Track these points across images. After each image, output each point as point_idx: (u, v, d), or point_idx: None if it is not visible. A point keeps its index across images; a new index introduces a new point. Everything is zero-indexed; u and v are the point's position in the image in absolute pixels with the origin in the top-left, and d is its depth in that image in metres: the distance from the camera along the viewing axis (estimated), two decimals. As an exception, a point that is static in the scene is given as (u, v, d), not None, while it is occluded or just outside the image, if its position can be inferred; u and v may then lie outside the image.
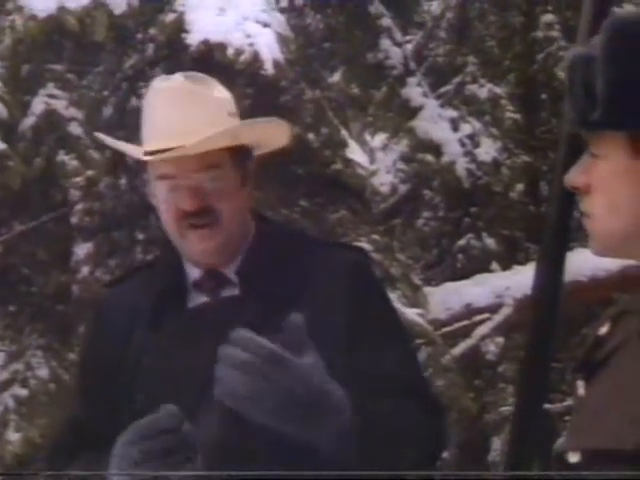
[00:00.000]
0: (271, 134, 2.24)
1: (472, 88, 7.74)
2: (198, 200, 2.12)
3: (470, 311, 6.18)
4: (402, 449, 2.03)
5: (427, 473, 1.96)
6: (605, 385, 1.47)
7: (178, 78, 2.21)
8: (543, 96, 8.49)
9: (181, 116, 2.14)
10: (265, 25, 4.61)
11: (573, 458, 1.44)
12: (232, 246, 2.18)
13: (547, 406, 5.63)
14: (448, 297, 6.21)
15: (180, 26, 4.62)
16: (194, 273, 2.21)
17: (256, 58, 4.47)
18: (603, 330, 1.56)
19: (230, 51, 4.46)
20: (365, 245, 5.24)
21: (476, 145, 7.20)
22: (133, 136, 2.36)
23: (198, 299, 2.20)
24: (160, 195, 2.17)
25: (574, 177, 1.58)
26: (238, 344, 1.85)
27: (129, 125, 4.53)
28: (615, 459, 1.38)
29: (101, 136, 2.38)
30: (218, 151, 2.13)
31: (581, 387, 1.54)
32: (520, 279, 5.91)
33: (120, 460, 1.97)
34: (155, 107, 2.18)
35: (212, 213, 2.13)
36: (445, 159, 6.58)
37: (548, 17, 8.26)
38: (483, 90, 7.79)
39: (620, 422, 1.39)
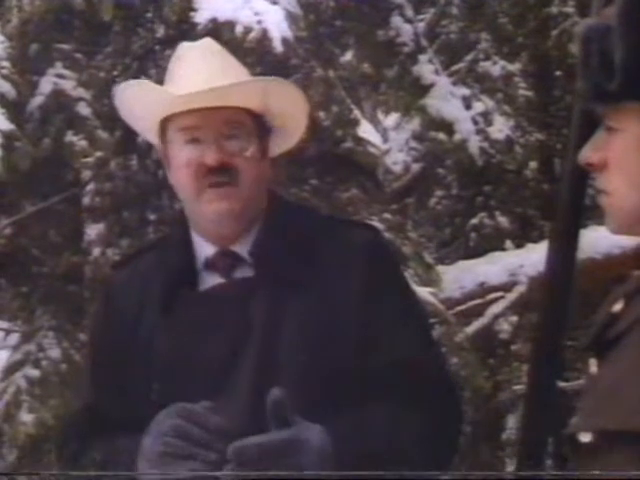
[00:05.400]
0: (292, 111, 2.19)
1: (485, 65, 7.67)
2: (221, 155, 2.08)
3: (484, 289, 6.15)
4: (429, 439, 2.03)
5: (431, 473, 1.95)
6: (618, 364, 1.44)
7: (207, 39, 2.25)
8: (557, 73, 8.41)
9: (214, 66, 2.14)
10: (274, 2, 4.56)
11: (585, 438, 1.42)
12: (246, 216, 2.13)
13: (563, 384, 5.59)
14: (461, 276, 6.18)
15: (188, 4, 4.59)
16: (206, 251, 2.15)
17: (265, 36, 4.43)
18: (617, 307, 1.53)
19: (238, 29, 4.42)
20: (377, 224, 5.21)
21: (489, 123, 7.13)
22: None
23: (210, 280, 2.14)
24: (180, 150, 2.12)
25: (589, 154, 1.54)
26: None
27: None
28: (627, 440, 1.35)
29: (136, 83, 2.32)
30: (242, 112, 2.12)
31: (593, 365, 1.51)
32: (534, 257, 5.87)
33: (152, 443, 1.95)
34: (186, 59, 2.18)
35: (232, 172, 2.09)
36: (458, 137, 6.52)
37: (562, -7, 8.18)
38: (496, 67, 7.71)
39: (633, 402, 1.37)
